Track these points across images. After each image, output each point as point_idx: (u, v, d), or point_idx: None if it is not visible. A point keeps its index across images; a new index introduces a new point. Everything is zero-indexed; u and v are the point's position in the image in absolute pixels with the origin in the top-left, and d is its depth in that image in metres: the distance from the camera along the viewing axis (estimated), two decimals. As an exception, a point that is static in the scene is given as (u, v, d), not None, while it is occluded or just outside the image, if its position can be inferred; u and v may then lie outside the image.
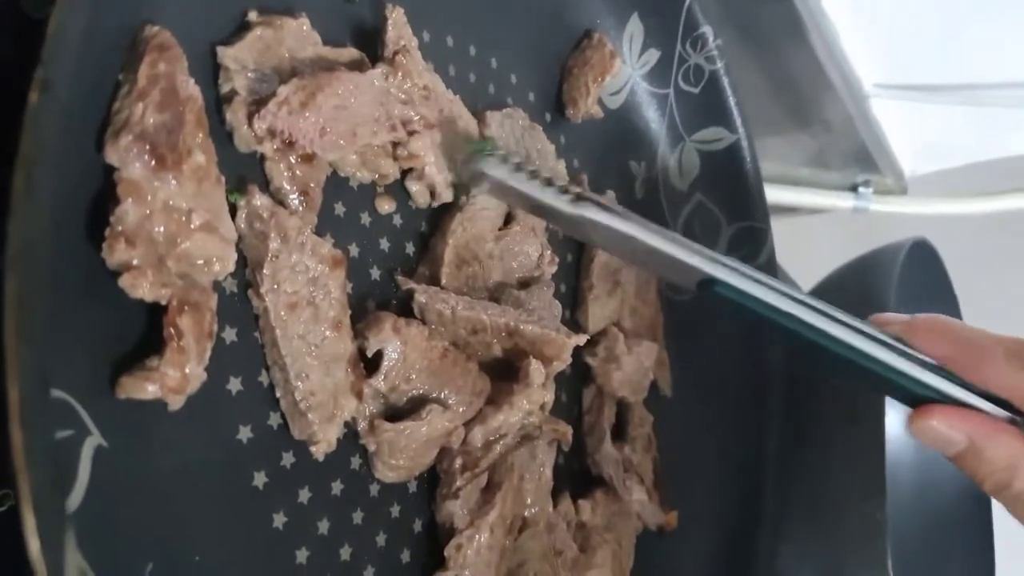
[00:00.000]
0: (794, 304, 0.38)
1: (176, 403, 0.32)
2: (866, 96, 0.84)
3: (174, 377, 0.31)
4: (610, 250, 0.43)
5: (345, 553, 0.39)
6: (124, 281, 0.29)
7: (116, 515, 0.30)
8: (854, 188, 0.95)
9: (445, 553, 0.42)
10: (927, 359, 0.38)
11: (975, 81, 0.85)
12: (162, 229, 0.31)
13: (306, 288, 0.37)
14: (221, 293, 0.35)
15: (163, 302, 0.31)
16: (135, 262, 0.30)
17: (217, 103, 0.36)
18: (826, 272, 0.73)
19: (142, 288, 0.30)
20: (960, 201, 0.95)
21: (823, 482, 0.59)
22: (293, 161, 0.37)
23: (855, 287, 0.66)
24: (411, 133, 0.40)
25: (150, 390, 0.30)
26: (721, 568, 0.57)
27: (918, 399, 0.38)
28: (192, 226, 0.31)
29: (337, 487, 0.39)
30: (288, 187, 0.37)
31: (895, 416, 0.76)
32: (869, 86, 0.83)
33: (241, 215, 0.35)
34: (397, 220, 0.43)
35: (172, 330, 0.31)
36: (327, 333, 0.37)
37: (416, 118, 0.40)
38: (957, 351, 0.38)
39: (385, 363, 0.39)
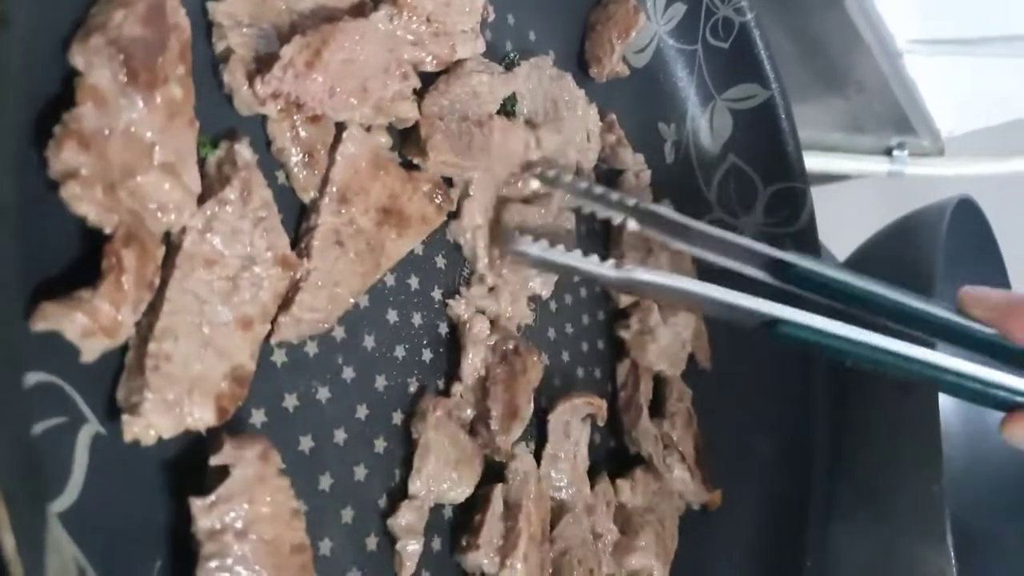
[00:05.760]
0: (864, 332, 0.37)
1: (94, 350, 0.26)
2: (900, 53, 0.80)
3: (107, 314, 0.26)
4: (663, 301, 0.44)
5: None
6: (67, 190, 0.25)
7: (118, 508, 0.28)
8: (888, 152, 0.92)
9: None
10: (1019, 349, 0.36)
11: (1013, 32, 0.81)
12: (119, 153, 0.27)
13: (236, 260, 0.31)
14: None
15: (108, 229, 0.27)
16: (83, 171, 0.26)
17: (213, 66, 0.33)
18: (860, 241, 0.70)
19: (85, 203, 0.26)
20: (1000, 160, 0.91)
21: (875, 454, 0.56)
22: (298, 121, 0.34)
23: (900, 248, 0.63)
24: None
25: (78, 321, 0.25)
26: (770, 547, 0.54)
27: (1009, 404, 0.37)
28: (152, 161, 0.28)
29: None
30: (291, 148, 0.34)
31: (945, 385, 0.72)
32: (903, 42, 0.79)
33: (214, 154, 0.32)
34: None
35: (115, 260, 0.26)
36: (229, 317, 0.31)
37: (428, 58, 0.37)
38: None
39: (222, 489, 0.29)
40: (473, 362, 0.40)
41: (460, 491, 0.39)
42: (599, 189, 0.42)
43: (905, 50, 0.79)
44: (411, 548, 0.37)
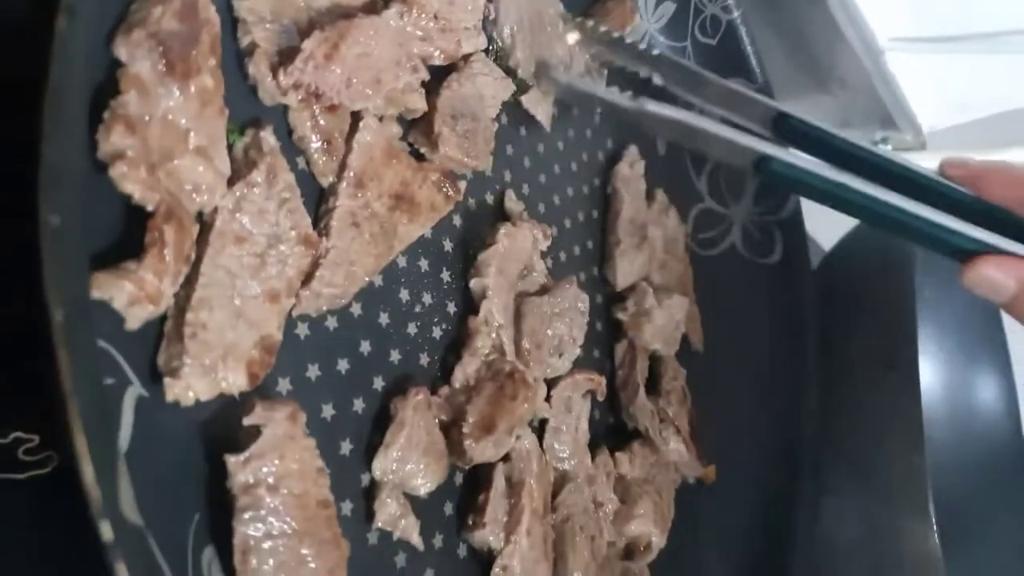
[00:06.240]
0: (844, 174, 0.40)
1: (138, 317, 0.29)
2: (882, 51, 0.83)
3: (152, 283, 0.28)
4: (670, 137, 0.46)
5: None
6: (116, 170, 0.28)
7: (160, 467, 0.30)
8: (873, 146, 0.94)
9: None
10: (989, 206, 0.40)
11: (992, 29, 0.84)
12: (158, 137, 0.29)
13: (263, 238, 0.34)
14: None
15: (150, 207, 0.29)
16: (130, 153, 0.28)
17: (238, 59, 0.36)
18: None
19: (132, 182, 0.28)
20: (979, 153, 0.93)
21: (861, 430, 0.59)
22: (317, 111, 0.37)
23: (881, 236, 0.65)
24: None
25: (127, 289, 0.28)
26: (763, 520, 0.57)
27: (967, 252, 0.39)
28: (188, 145, 0.30)
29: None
30: (311, 135, 0.37)
31: (929, 368, 0.75)
32: (885, 40, 0.82)
33: (242, 141, 0.34)
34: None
35: (157, 234, 0.29)
36: (258, 291, 0.33)
37: (436, 53, 0.40)
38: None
39: (255, 446, 0.31)
40: (465, 370, 0.42)
41: (423, 482, 0.38)
42: (628, 40, 0.46)
43: (887, 48, 0.82)
44: (406, 526, 0.38)
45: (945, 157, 0.42)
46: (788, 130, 0.42)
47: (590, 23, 0.48)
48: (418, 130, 0.42)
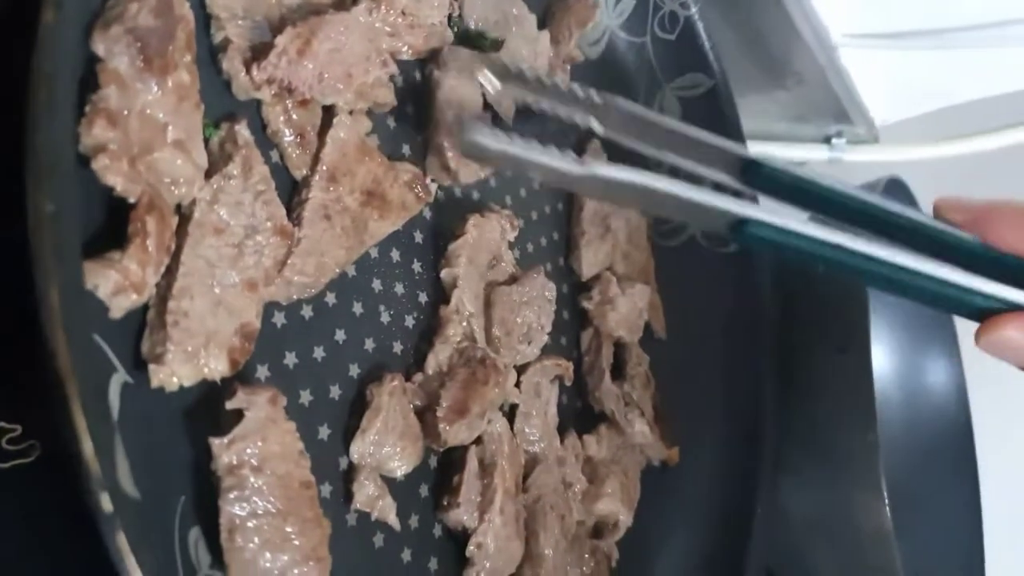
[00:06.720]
0: (833, 232, 0.34)
1: (122, 306, 0.30)
2: (835, 46, 0.85)
3: (136, 273, 0.29)
4: (623, 204, 0.39)
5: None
6: (98, 162, 0.29)
7: (145, 451, 0.31)
8: (828, 140, 0.97)
9: (467, 554, 0.42)
10: (1001, 255, 0.34)
11: (941, 26, 0.87)
12: (137, 131, 0.30)
13: (240, 229, 0.35)
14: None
15: (132, 198, 0.30)
16: (112, 146, 0.29)
17: (212, 54, 0.37)
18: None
19: (115, 174, 0.29)
20: (930, 146, 0.96)
21: (818, 411, 0.61)
22: (290, 105, 0.38)
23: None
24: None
25: (112, 278, 0.29)
26: (726, 500, 0.58)
27: (985, 311, 0.34)
28: (166, 139, 0.31)
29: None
30: (284, 129, 0.38)
31: (882, 353, 0.78)
32: (838, 36, 0.85)
33: (217, 135, 0.35)
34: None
35: (140, 225, 0.30)
36: (237, 280, 0.34)
37: (404, 48, 0.41)
38: None
39: (238, 429, 0.33)
40: (438, 357, 0.43)
41: (399, 464, 0.40)
42: (562, 83, 0.37)
43: (840, 43, 0.85)
44: (383, 507, 0.39)
45: (938, 198, 0.35)
46: (760, 178, 0.35)
47: (515, 66, 0.37)
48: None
